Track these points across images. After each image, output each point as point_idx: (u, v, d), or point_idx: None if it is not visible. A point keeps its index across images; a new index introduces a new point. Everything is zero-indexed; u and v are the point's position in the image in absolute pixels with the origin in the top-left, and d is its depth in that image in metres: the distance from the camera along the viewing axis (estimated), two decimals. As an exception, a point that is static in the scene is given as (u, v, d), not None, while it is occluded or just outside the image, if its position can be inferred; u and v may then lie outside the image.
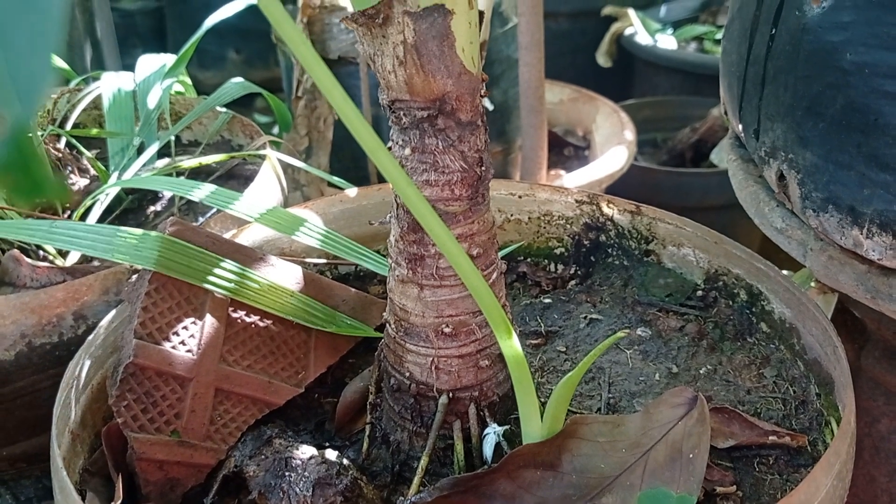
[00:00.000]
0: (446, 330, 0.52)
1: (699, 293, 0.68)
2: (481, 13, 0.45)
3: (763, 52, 0.56)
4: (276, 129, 1.04)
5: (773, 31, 0.56)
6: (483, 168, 0.49)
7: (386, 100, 0.47)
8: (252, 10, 1.05)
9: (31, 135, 0.17)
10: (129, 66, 0.96)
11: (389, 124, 0.49)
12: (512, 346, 0.47)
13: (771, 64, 0.56)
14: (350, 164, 1.21)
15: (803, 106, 0.53)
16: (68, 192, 0.74)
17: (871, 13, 0.48)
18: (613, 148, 1.29)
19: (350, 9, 0.50)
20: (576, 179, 1.20)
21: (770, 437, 0.54)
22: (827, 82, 0.51)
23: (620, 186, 1.25)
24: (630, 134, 1.33)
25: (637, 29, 1.84)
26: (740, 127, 0.65)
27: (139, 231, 0.57)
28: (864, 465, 0.73)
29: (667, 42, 1.85)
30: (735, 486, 0.52)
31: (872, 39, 0.48)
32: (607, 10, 1.89)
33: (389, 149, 0.49)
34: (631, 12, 1.86)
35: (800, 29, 0.52)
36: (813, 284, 0.70)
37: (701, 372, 0.62)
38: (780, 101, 0.56)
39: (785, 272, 0.86)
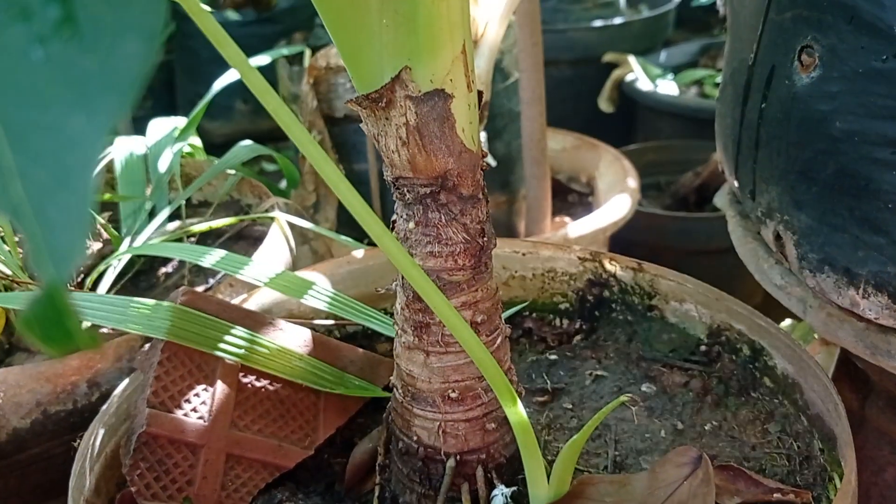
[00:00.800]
0: (452, 395, 0.53)
1: (703, 348, 0.69)
2: (480, 93, 0.47)
3: (755, 117, 0.58)
4: (283, 182, 1.06)
5: (765, 99, 0.57)
6: (485, 238, 0.50)
7: (390, 176, 0.49)
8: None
9: (64, 293, 0.18)
10: (139, 120, 0.98)
11: (394, 199, 0.50)
12: (517, 412, 0.48)
13: (763, 129, 0.58)
14: (357, 217, 1.23)
15: (796, 170, 0.55)
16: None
17: (858, 84, 0.49)
18: (617, 196, 1.30)
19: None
20: (580, 228, 1.21)
21: (775, 495, 0.55)
22: (818, 149, 0.53)
23: (626, 232, 1.26)
24: (633, 181, 1.35)
25: (638, 75, 1.86)
26: (737, 185, 0.67)
27: (151, 301, 0.59)
28: (872, 517, 0.73)
29: (667, 87, 1.87)
30: (741, 546, 0.52)
31: (860, 109, 0.49)
32: (608, 57, 1.92)
33: (394, 222, 0.51)
34: (631, 59, 1.89)
35: (790, 97, 0.54)
36: (815, 336, 0.71)
37: (706, 428, 0.62)
38: (774, 165, 0.57)
39: (788, 321, 0.87)
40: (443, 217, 0.48)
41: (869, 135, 0.49)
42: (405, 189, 0.48)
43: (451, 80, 0.44)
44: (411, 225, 0.49)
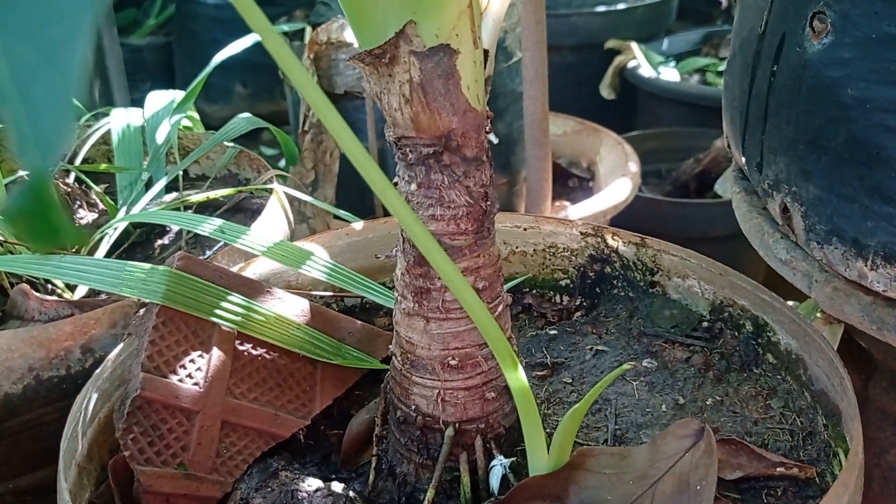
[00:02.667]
0: (452, 362, 0.53)
1: (705, 324, 0.68)
2: (486, 51, 0.46)
3: (765, 87, 0.57)
4: (282, 162, 1.05)
5: (775, 67, 0.56)
6: (488, 203, 0.50)
7: (392, 136, 0.48)
8: (259, 45, 1.06)
9: (49, 183, 0.17)
10: (138, 101, 0.97)
11: (396, 160, 0.49)
12: (518, 378, 0.48)
13: (773, 98, 0.57)
14: (356, 196, 1.22)
15: (805, 140, 0.54)
16: (85, 237, 0.75)
17: (871, 49, 0.48)
18: (618, 180, 1.29)
19: (356, 45, 0.51)
20: (580, 211, 1.20)
21: (778, 469, 0.54)
22: (829, 116, 0.52)
23: (625, 217, 1.25)
24: (634, 166, 1.34)
25: (640, 62, 1.85)
26: (743, 160, 0.66)
27: (147, 265, 0.58)
28: (873, 497, 0.72)
29: (669, 74, 1.86)
30: (743, 520, 0.51)
31: (872, 75, 0.49)
32: (611, 44, 1.91)
33: (395, 184, 0.50)
34: (634, 45, 1.88)
35: (801, 65, 0.53)
36: (818, 315, 0.71)
37: (707, 403, 0.62)
38: (783, 135, 0.56)
39: (790, 303, 0.86)
40: (445, 179, 0.48)
41: (881, 101, 0.49)
42: (407, 149, 0.47)
43: (456, 35, 0.43)
44: (413, 187, 0.48)
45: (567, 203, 1.43)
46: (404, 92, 0.45)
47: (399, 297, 0.53)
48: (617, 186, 1.27)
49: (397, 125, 0.47)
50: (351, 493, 0.54)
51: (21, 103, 0.16)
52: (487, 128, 0.49)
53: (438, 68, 0.43)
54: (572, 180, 1.53)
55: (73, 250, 0.79)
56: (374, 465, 0.58)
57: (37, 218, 0.17)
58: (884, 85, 0.48)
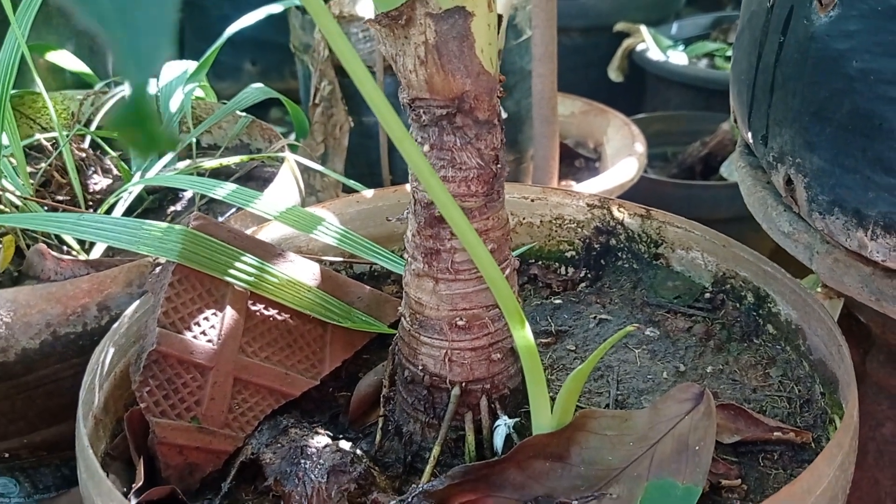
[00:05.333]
0: (460, 323, 0.54)
1: (707, 295, 0.69)
2: (500, 16, 0.47)
3: (772, 59, 0.58)
4: (292, 137, 1.06)
5: (782, 40, 0.57)
6: (499, 166, 0.51)
7: (406, 98, 0.49)
8: (269, 22, 1.07)
9: (148, 96, 0.19)
10: (151, 73, 0.98)
11: (409, 122, 0.50)
12: (524, 336, 0.49)
13: (779, 71, 0.58)
14: (365, 170, 1.23)
15: (810, 111, 0.55)
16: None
17: (876, 22, 0.49)
18: (624, 159, 1.30)
19: (370, 15, 0.52)
20: (586, 190, 1.21)
21: (775, 434, 0.56)
22: (833, 88, 0.53)
23: (630, 198, 1.25)
24: (640, 146, 1.35)
25: (649, 45, 1.86)
26: (749, 134, 0.67)
27: (164, 224, 0.59)
28: (868, 469, 0.74)
29: (678, 58, 1.86)
30: (740, 480, 0.53)
31: (877, 47, 0.50)
32: (619, 27, 1.92)
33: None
34: (643, 29, 1.88)
35: (808, 37, 0.54)
36: (819, 290, 0.72)
37: (708, 371, 0.63)
38: (788, 107, 0.57)
39: (792, 280, 0.87)
40: (458, 140, 0.49)
41: (885, 73, 0.50)
42: (421, 111, 0.48)
43: (471, -3, 0.44)
44: (426, 148, 0.49)
45: (573, 182, 1.44)
46: (419, 54, 0.46)
47: (409, 259, 0.55)
48: (623, 166, 1.28)
49: (412, 87, 0.48)
50: (358, 452, 0.55)
51: (122, 27, 0.17)
52: (500, 92, 0.50)
53: (453, 30, 0.45)
54: (579, 161, 1.54)
55: (90, 213, 0.81)
56: (381, 425, 0.59)
57: (137, 127, 0.19)
58: (888, 57, 0.49)
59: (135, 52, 0.18)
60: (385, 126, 0.36)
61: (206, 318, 0.58)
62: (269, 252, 0.64)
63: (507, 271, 0.55)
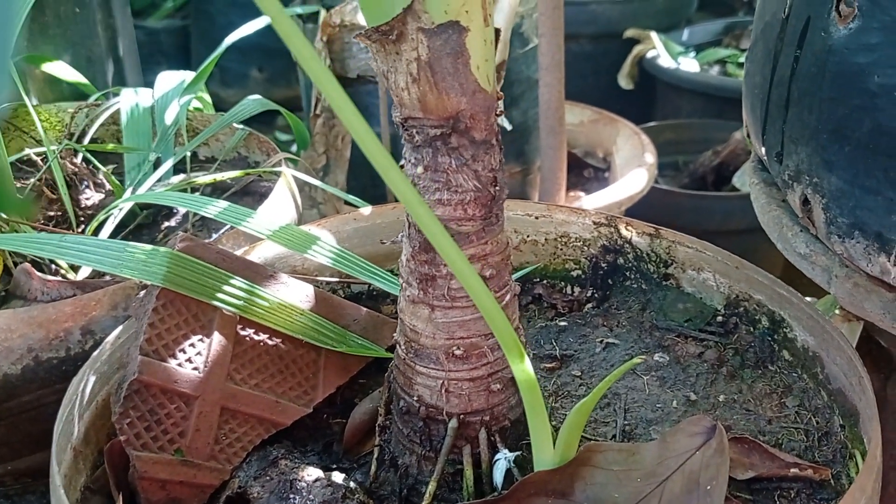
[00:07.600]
0: (457, 352, 0.51)
1: (719, 319, 0.66)
2: (497, 31, 0.44)
3: (787, 73, 0.55)
4: (295, 147, 1.04)
5: (798, 53, 0.54)
6: (497, 188, 0.48)
7: (399, 117, 0.46)
8: (275, 29, 1.05)
9: None
10: (153, 84, 0.96)
11: (402, 142, 0.48)
12: (524, 370, 0.46)
13: (795, 86, 0.55)
14: (367, 182, 1.21)
15: (829, 129, 0.52)
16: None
17: (900, 34, 0.46)
18: (634, 170, 1.28)
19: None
20: (595, 201, 1.18)
21: (792, 470, 0.53)
22: (853, 105, 0.50)
23: (640, 209, 1.23)
24: (650, 156, 1.32)
25: (659, 52, 1.83)
26: (763, 150, 0.64)
27: (148, 247, 0.57)
28: (888, 500, 0.70)
29: (689, 65, 1.83)
30: (754, 521, 0.50)
31: (901, 61, 0.47)
32: (630, 33, 1.89)
33: (402, 167, 0.48)
34: (653, 35, 1.85)
35: (825, 50, 0.51)
36: (837, 312, 0.69)
37: (720, 400, 0.60)
38: (805, 124, 0.54)
39: (808, 299, 0.84)
40: (453, 162, 0.46)
41: (910, 90, 0.47)
42: (414, 131, 0.46)
43: (466, 11, 0.41)
44: (419, 170, 0.47)
45: (582, 193, 1.41)
46: (412, 70, 0.43)
47: (404, 284, 0.52)
48: (633, 177, 1.26)
49: (404, 105, 0.45)
50: (352, 484, 0.53)
51: None
52: (498, 110, 0.47)
53: (447, 46, 0.42)
54: (588, 170, 1.51)
55: (80, 230, 0.79)
56: (376, 455, 0.57)
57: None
58: (913, 72, 0.46)
59: None
60: (367, 153, 0.33)
61: (191, 345, 0.56)
62: (259, 274, 0.61)
63: (507, 298, 0.52)
